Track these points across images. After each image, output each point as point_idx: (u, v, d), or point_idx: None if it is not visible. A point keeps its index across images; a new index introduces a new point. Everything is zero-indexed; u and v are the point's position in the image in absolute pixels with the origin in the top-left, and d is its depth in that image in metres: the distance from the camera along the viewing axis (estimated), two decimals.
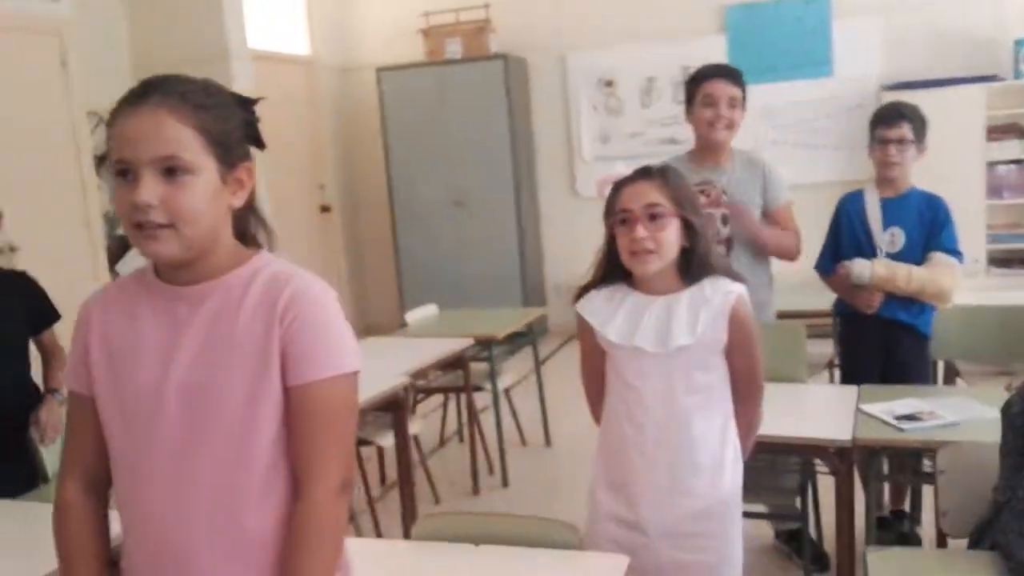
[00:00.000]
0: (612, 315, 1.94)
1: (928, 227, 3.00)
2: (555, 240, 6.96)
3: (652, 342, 1.89)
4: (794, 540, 3.09)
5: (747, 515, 2.91)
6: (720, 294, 1.89)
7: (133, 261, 5.05)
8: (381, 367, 3.30)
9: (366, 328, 6.63)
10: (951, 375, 3.44)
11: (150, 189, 1.18)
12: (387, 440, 3.32)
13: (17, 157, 4.17)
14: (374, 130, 6.89)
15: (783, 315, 3.33)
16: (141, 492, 1.27)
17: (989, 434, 2.05)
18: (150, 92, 1.21)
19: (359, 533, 3.20)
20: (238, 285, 1.27)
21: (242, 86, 5.63)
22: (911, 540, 3.08)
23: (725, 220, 3.04)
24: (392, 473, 3.83)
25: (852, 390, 2.69)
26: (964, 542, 2.04)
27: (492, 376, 3.96)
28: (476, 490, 3.91)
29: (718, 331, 1.89)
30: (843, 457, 2.41)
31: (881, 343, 3.05)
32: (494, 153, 6.57)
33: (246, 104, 1.33)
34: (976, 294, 3.65)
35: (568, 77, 6.83)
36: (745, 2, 6.32)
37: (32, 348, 2.87)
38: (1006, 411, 1.90)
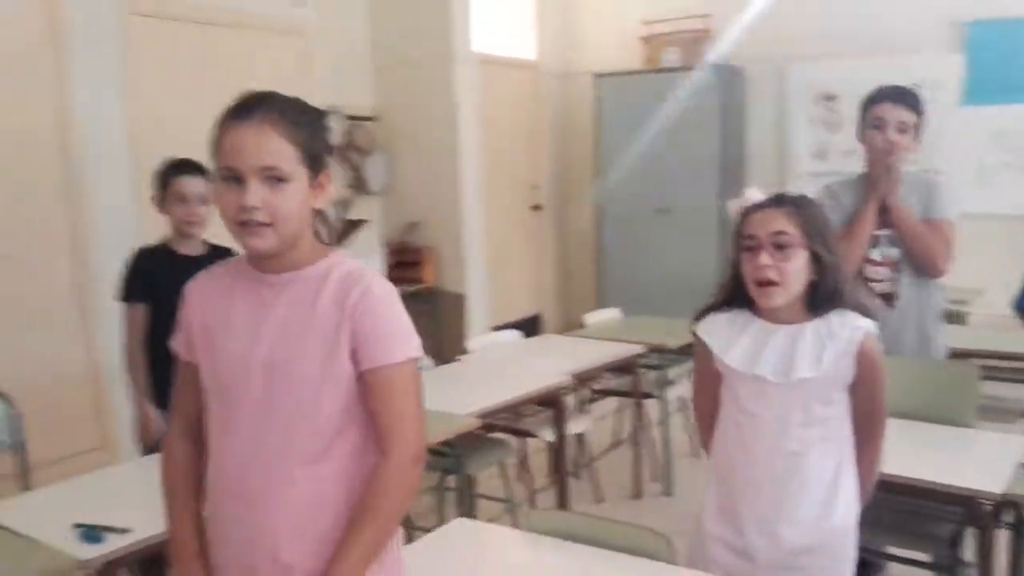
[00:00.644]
0: (733, 340, 1.93)
1: None
2: None
3: (774, 372, 1.87)
4: None
5: (893, 559, 2.85)
6: (848, 329, 1.85)
7: (356, 245, 5.53)
8: (545, 364, 3.46)
9: (566, 325, 6.82)
10: None
11: (255, 194, 1.39)
12: (548, 435, 3.48)
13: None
14: (587, 134, 7.06)
15: (962, 354, 3.15)
16: (226, 445, 1.50)
17: None
18: (254, 109, 1.41)
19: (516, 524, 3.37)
20: (315, 278, 1.47)
21: (466, 88, 6.02)
22: None
23: (893, 242, 2.95)
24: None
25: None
26: None
27: (661, 384, 4.01)
28: (638, 495, 3.98)
29: (843, 367, 1.85)
30: (995, 510, 2.28)
31: None
32: (703, 163, 6.54)
33: (325, 117, 1.52)
34: None
35: (786, 89, 6.66)
36: (988, 17, 5.89)
37: None
38: None
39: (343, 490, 1.48)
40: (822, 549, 1.90)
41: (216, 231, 2.28)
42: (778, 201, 1.88)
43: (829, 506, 1.90)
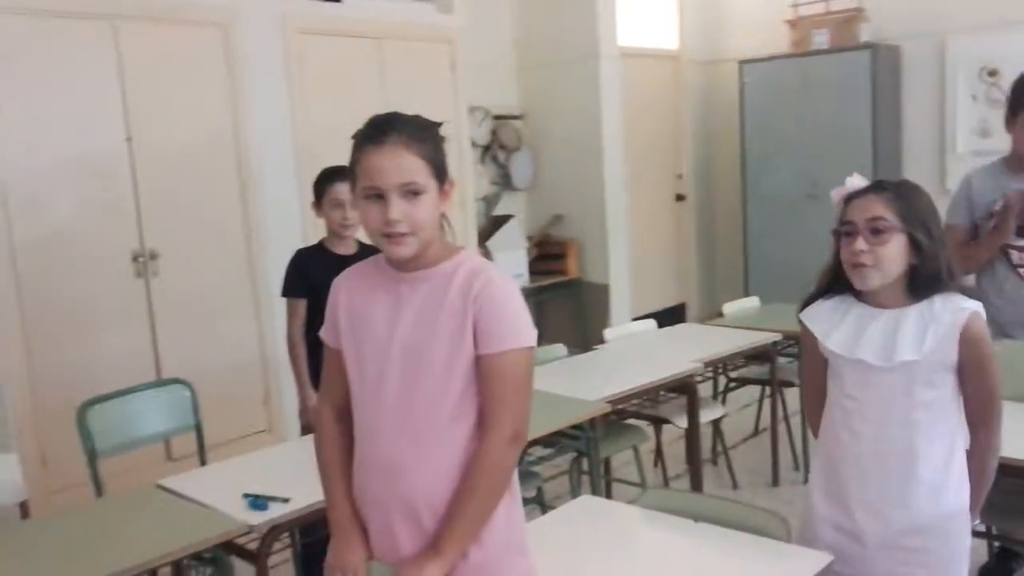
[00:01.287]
0: (836, 325, 1.96)
1: None
2: None
3: (875, 355, 1.89)
4: None
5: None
6: (950, 311, 1.85)
7: (501, 239, 5.76)
8: (679, 352, 3.53)
9: (711, 314, 6.81)
10: None
11: (397, 208, 1.57)
12: (682, 421, 3.55)
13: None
14: (733, 122, 6.99)
15: None
16: (371, 420, 1.68)
17: None
18: (387, 132, 1.58)
19: None
20: (446, 274, 1.64)
21: (610, 82, 6.12)
22: None
23: None
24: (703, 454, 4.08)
25: None
26: None
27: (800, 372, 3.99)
28: (776, 482, 3.99)
29: (947, 349, 1.85)
30: None
31: None
32: (855, 146, 6.36)
33: (440, 129, 1.66)
34: None
35: (946, 65, 6.38)
36: None
37: None
38: None
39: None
40: (932, 532, 1.91)
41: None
42: (878, 187, 1.90)
43: (939, 489, 1.91)
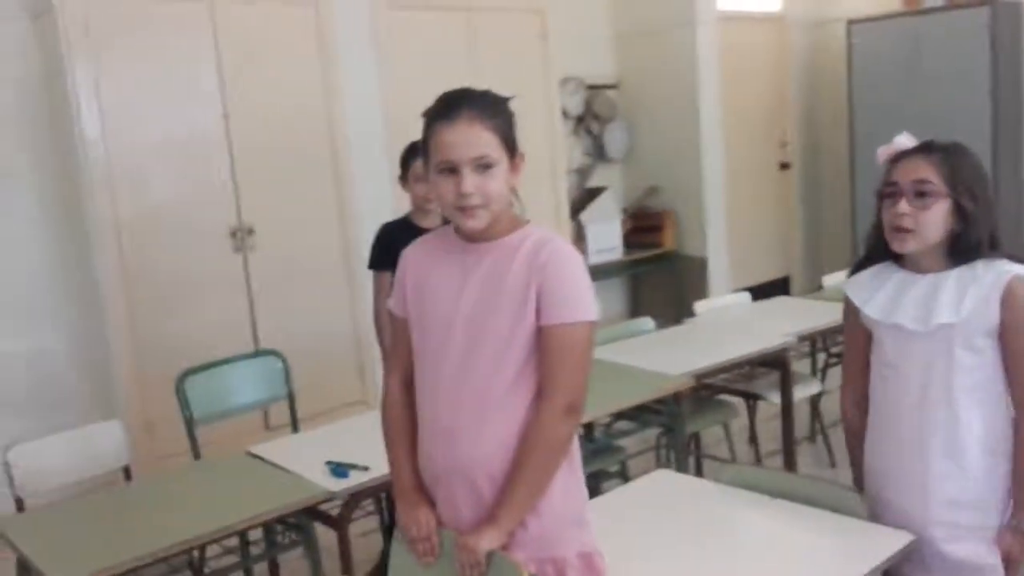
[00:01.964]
0: (875, 292, 1.89)
1: None
2: None
3: (913, 319, 1.81)
4: None
5: None
6: (993, 273, 1.76)
7: (593, 211, 5.71)
8: (773, 325, 3.43)
9: (817, 287, 6.58)
10: None
11: (471, 181, 1.58)
12: (775, 398, 3.45)
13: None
14: (840, 87, 6.70)
15: None
16: (433, 389, 1.69)
17: None
18: (460, 107, 1.59)
19: None
20: (512, 246, 1.64)
21: (708, 48, 5.96)
22: None
23: None
24: (802, 431, 3.99)
25: None
26: None
27: None
28: None
29: (988, 311, 1.76)
30: None
31: None
32: (972, 111, 5.99)
33: (510, 104, 1.66)
34: None
35: None
36: None
37: None
38: None
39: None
40: (975, 504, 1.83)
41: None
42: (926, 149, 1.82)
43: (980, 458, 1.82)
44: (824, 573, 1.77)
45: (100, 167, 3.79)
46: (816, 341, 3.85)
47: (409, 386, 1.78)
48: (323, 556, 2.44)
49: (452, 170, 1.59)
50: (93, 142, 3.77)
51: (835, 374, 4.24)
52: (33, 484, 2.59)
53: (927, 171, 1.78)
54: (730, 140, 6.31)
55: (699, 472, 3.56)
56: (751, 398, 3.64)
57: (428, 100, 1.67)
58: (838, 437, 4.01)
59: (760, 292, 4.12)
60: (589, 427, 3.07)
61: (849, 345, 2.04)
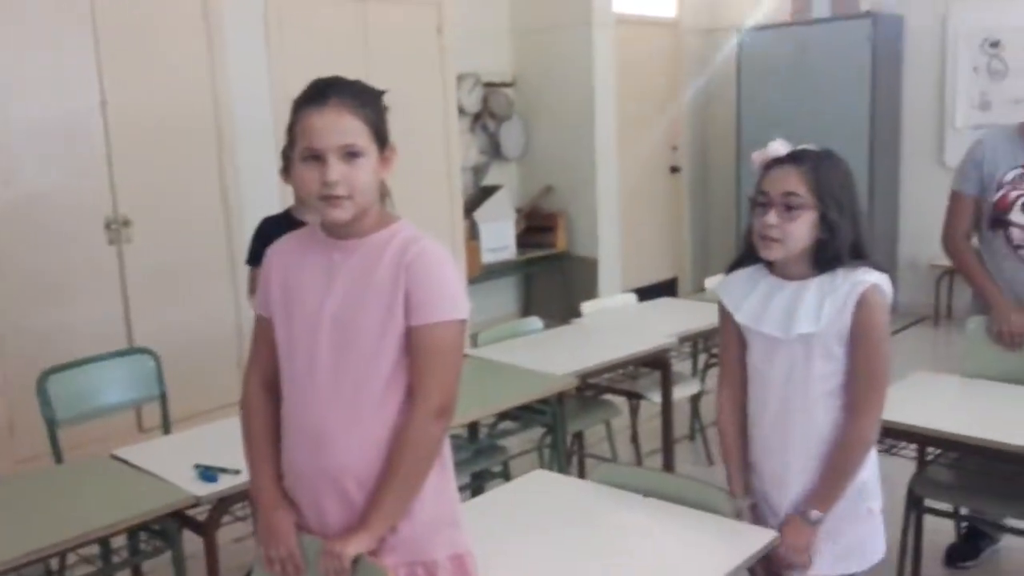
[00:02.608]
0: (746, 297, 1.95)
1: None
2: (914, 213, 6.47)
3: (777, 327, 1.88)
4: None
5: (1009, 530, 2.73)
6: (850, 282, 1.83)
7: (488, 210, 5.69)
8: (656, 326, 3.48)
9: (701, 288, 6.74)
10: None
11: (336, 170, 1.53)
12: (656, 397, 3.50)
13: (392, 116, 4.91)
14: (730, 92, 6.88)
15: None
16: (301, 390, 1.63)
17: None
18: (328, 94, 1.54)
19: None
20: (380, 244, 1.60)
21: (604, 50, 6.01)
22: None
23: None
24: (683, 430, 4.06)
25: None
26: None
27: None
28: None
29: (843, 321, 1.83)
30: None
31: None
32: (852, 118, 6.24)
33: (383, 96, 1.62)
34: None
35: (947, 36, 6.25)
36: None
37: None
38: None
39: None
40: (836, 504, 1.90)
41: None
42: (797, 159, 1.86)
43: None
44: (689, 570, 1.79)
45: None
46: (697, 342, 3.93)
47: (269, 388, 1.72)
48: (191, 564, 2.35)
49: (317, 158, 1.53)
50: None
51: (715, 374, 4.29)
52: None
53: (796, 183, 1.83)
54: (624, 143, 6.40)
55: (581, 471, 3.58)
56: (633, 398, 3.68)
57: None
58: (716, 436, 4.11)
59: (649, 293, 4.19)
60: (473, 427, 3.06)
61: (725, 346, 2.08)
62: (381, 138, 1.59)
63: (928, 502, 2.67)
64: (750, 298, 1.95)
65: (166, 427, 3.08)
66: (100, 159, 3.95)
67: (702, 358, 4.20)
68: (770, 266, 1.95)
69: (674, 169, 7.15)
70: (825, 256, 1.85)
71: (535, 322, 3.65)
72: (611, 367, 3.22)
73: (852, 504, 1.93)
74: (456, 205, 5.47)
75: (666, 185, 7.12)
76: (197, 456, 2.38)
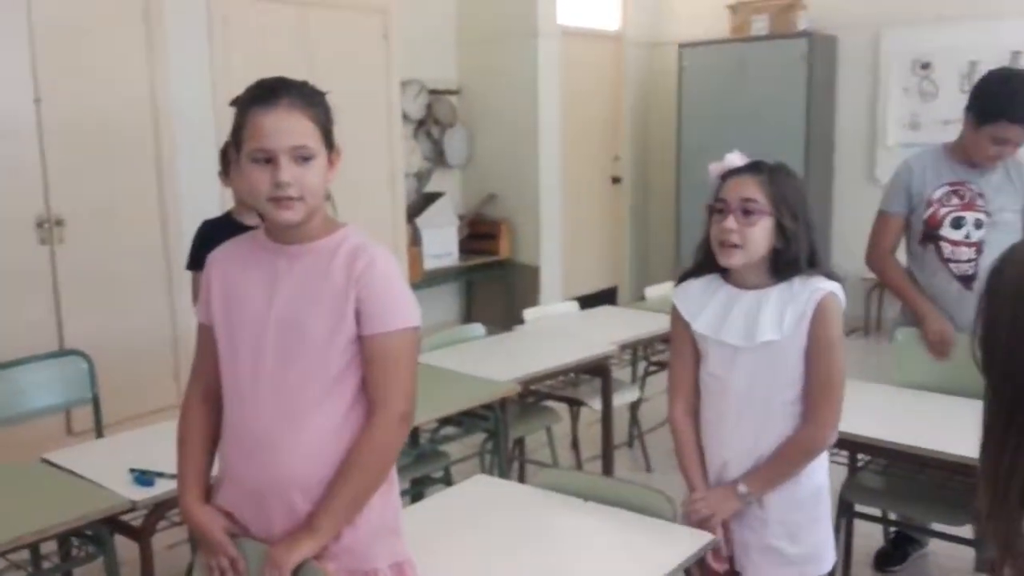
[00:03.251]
0: (704, 306, 1.97)
1: None
2: (846, 228, 6.64)
3: (738, 336, 1.91)
4: None
5: (936, 534, 2.82)
6: (808, 290, 1.87)
7: (430, 216, 5.68)
8: (597, 333, 3.51)
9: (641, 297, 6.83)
10: None
11: (288, 171, 1.52)
12: (597, 404, 3.54)
13: (336, 119, 4.88)
14: (671, 106, 7.00)
15: None
16: (244, 398, 1.62)
17: None
18: (279, 94, 1.53)
19: None
20: (328, 250, 1.59)
21: (549, 61, 6.06)
22: None
23: (979, 224, 2.87)
24: (621, 437, 4.09)
25: None
26: None
27: None
28: None
29: (803, 326, 1.87)
30: None
31: None
32: (788, 134, 6.39)
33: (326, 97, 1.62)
34: None
35: (880, 57, 6.45)
36: None
37: None
38: None
39: (345, 441, 1.59)
40: (792, 507, 1.94)
41: None
42: (754, 168, 1.91)
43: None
44: (628, 572, 1.81)
45: None
46: (637, 350, 3.98)
47: (209, 396, 1.70)
48: (125, 570, 2.30)
49: (268, 159, 1.52)
50: None
51: (653, 382, 4.40)
52: None
53: (753, 190, 1.87)
54: (566, 152, 6.46)
55: (522, 476, 3.60)
56: (574, 404, 3.71)
57: None
58: (655, 443, 4.19)
59: (589, 301, 4.23)
60: (415, 433, 3.05)
61: (677, 352, 2.08)
62: (329, 140, 1.59)
63: (858, 507, 2.75)
64: (708, 307, 1.97)
65: (98, 431, 3.01)
66: (33, 157, 3.85)
67: (641, 365, 4.25)
68: (726, 275, 1.97)
69: (615, 179, 7.23)
70: (783, 264, 1.89)
71: (478, 328, 3.66)
72: (553, 374, 3.25)
73: (811, 509, 1.97)
74: (399, 210, 5.45)
75: (607, 195, 7.20)
76: (131, 460, 2.33)
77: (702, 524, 1.94)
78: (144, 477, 2.26)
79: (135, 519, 2.24)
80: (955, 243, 2.89)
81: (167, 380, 4.31)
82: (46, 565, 2.52)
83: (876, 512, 2.87)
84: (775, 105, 6.41)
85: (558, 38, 6.22)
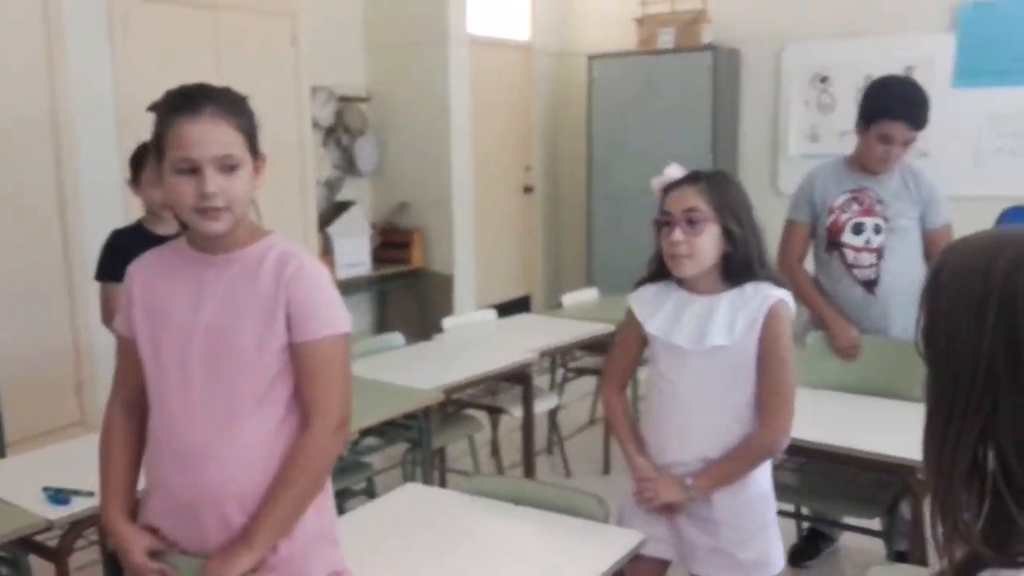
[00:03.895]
0: (657, 310, 2.02)
1: None
2: None
3: (689, 340, 1.96)
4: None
5: (848, 527, 2.93)
6: (759, 297, 1.93)
7: (342, 225, 5.61)
8: (517, 341, 3.53)
9: (557, 306, 6.89)
10: None
11: (214, 181, 1.49)
12: (518, 411, 3.56)
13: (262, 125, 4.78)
14: (581, 116, 7.09)
15: None
16: (173, 410, 1.58)
17: None
18: (203, 103, 1.50)
19: None
20: (255, 257, 1.57)
21: (459, 69, 6.06)
22: None
23: (878, 230, 3.00)
24: (541, 443, 4.11)
25: None
26: None
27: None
28: (607, 470, 4.07)
29: (754, 334, 1.93)
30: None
31: None
32: (696, 145, 6.55)
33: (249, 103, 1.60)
34: None
35: (781, 71, 6.68)
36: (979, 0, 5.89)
37: None
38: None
39: (278, 451, 1.56)
40: (741, 512, 1.99)
41: None
42: (693, 179, 1.97)
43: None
44: (563, 574, 1.82)
45: None
46: (555, 357, 4.02)
47: (132, 411, 1.66)
48: None
49: (193, 170, 1.49)
50: None
51: (571, 388, 4.46)
52: None
53: (695, 199, 1.92)
54: (478, 161, 6.47)
55: (443, 485, 3.58)
56: (495, 412, 3.72)
57: None
58: (574, 449, 4.24)
59: (503, 310, 4.25)
60: None
61: (622, 347, 2.15)
62: (254, 147, 1.56)
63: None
64: (662, 311, 2.01)
65: (1, 449, 2.87)
66: None
67: (559, 373, 4.29)
68: (680, 281, 2.02)
69: (527, 189, 7.28)
70: (735, 268, 1.94)
71: (397, 338, 3.64)
72: (475, 382, 3.25)
73: (760, 515, 2.02)
74: (310, 219, 5.37)
75: (520, 204, 7.25)
76: (42, 479, 2.23)
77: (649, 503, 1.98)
78: (59, 496, 2.16)
79: (50, 539, 2.14)
80: (857, 249, 3.01)
81: (68, 396, 4.13)
82: None
83: (791, 508, 2.96)
84: (682, 116, 6.57)
85: (468, 46, 6.23)
